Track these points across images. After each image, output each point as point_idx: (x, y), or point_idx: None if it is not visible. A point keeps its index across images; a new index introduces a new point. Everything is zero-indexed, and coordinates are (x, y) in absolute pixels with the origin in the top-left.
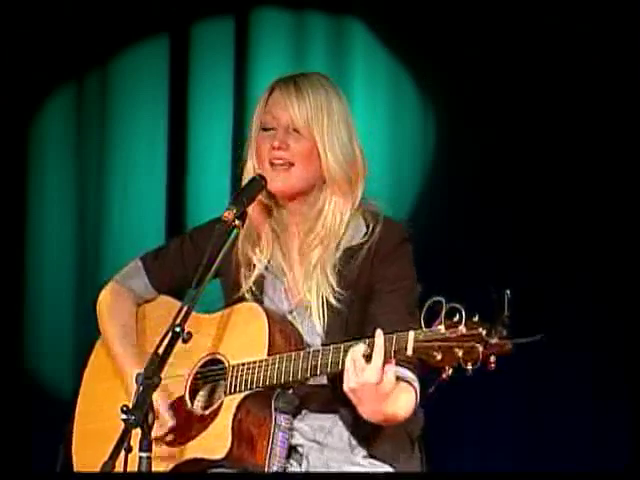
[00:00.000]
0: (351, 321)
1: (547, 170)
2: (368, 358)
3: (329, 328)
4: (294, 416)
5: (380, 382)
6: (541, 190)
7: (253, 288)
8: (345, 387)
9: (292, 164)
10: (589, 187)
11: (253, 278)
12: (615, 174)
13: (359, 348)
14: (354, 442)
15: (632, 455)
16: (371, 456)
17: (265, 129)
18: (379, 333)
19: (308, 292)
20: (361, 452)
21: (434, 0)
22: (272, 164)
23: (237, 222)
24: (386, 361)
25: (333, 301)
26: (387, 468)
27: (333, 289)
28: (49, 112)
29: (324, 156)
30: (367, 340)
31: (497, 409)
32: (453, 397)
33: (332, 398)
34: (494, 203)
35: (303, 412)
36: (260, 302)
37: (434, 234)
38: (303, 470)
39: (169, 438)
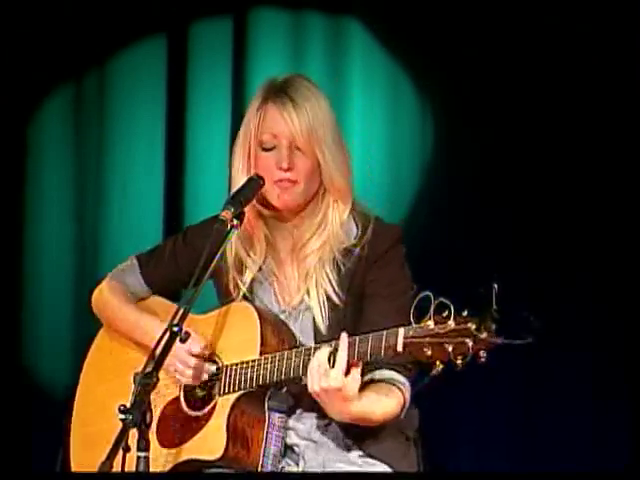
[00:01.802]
0: (348, 320)
1: (547, 170)
2: (333, 362)
3: (330, 326)
4: (289, 415)
5: (343, 387)
6: (541, 190)
7: (244, 292)
8: (309, 389)
9: (296, 182)
10: (589, 187)
11: (247, 283)
12: (615, 174)
13: (323, 352)
14: (349, 441)
15: (632, 455)
16: (367, 455)
17: (265, 149)
18: (343, 337)
19: (307, 293)
20: (357, 451)
21: (433, 0)
22: (276, 182)
23: (235, 222)
24: (352, 364)
25: (334, 298)
26: (383, 466)
27: (333, 288)
28: (48, 112)
29: (324, 163)
30: (333, 343)
31: (496, 409)
32: (451, 396)
33: None
34: (493, 203)
35: (298, 411)
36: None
37: (433, 234)
38: (300, 470)
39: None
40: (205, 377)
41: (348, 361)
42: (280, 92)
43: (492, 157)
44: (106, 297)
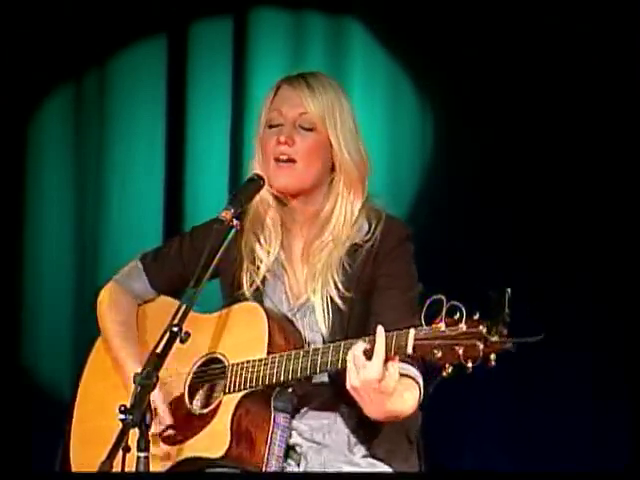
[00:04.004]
0: (352, 320)
1: (547, 170)
2: (369, 355)
3: (332, 328)
4: (293, 415)
5: (382, 379)
6: (541, 190)
7: (256, 285)
8: (347, 385)
9: (295, 161)
10: (589, 187)
11: (262, 275)
12: (615, 174)
13: (359, 346)
14: (352, 441)
15: (632, 455)
16: (369, 455)
17: (271, 126)
18: (380, 330)
19: (312, 293)
20: (359, 451)
21: (433, 0)
22: (277, 160)
23: (235, 222)
24: (388, 358)
25: (338, 301)
26: (385, 467)
27: (338, 290)
28: (48, 112)
29: (339, 151)
30: (367, 338)
31: (496, 409)
32: (452, 396)
33: (332, 397)
34: (493, 203)
35: (302, 411)
36: (260, 301)
37: (433, 234)
38: (302, 470)
39: (167, 434)
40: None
41: (386, 354)
42: (297, 76)
43: (492, 157)
44: (104, 312)
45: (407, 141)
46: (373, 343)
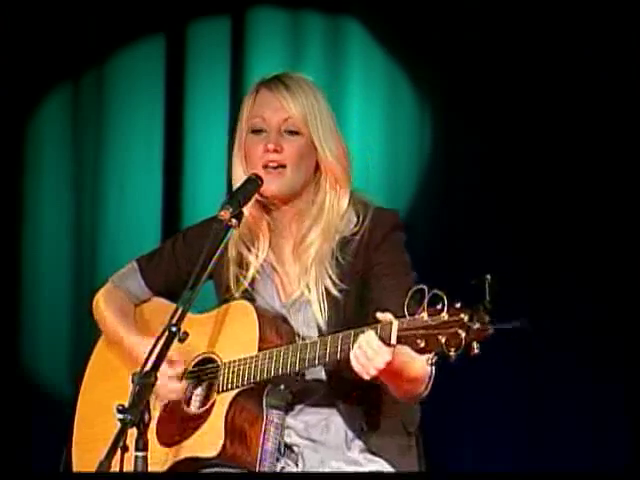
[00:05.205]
0: (349, 311)
1: (546, 169)
2: (384, 340)
3: (329, 320)
4: (287, 412)
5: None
6: (540, 189)
7: (244, 287)
8: (372, 372)
9: (284, 166)
10: (589, 186)
11: (249, 278)
12: (615, 173)
13: (371, 335)
14: (350, 437)
15: (632, 455)
16: (367, 450)
17: (254, 131)
18: (389, 316)
19: (306, 288)
20: (357, 447)
21: (432, 0)
22: (265, 167)
23: (233, 222)
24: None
25: (334, 292)
26: (383, 462)
27: (333, 281)
28: (46, 112)
29: (322, 150)
30: (377, 326)
31: (497, 408)
32: (452, 395)
33: (328, 393)
34: (492, 203)
35: (298, 408)
36: (251, 300)
37: (431, 234)
38: (300, 470)
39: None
40: (175, 397)
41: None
42: (274, 79)
43: (490, 157)
44: (101, 308)
45: (405, 141)
46: (385, 329)
